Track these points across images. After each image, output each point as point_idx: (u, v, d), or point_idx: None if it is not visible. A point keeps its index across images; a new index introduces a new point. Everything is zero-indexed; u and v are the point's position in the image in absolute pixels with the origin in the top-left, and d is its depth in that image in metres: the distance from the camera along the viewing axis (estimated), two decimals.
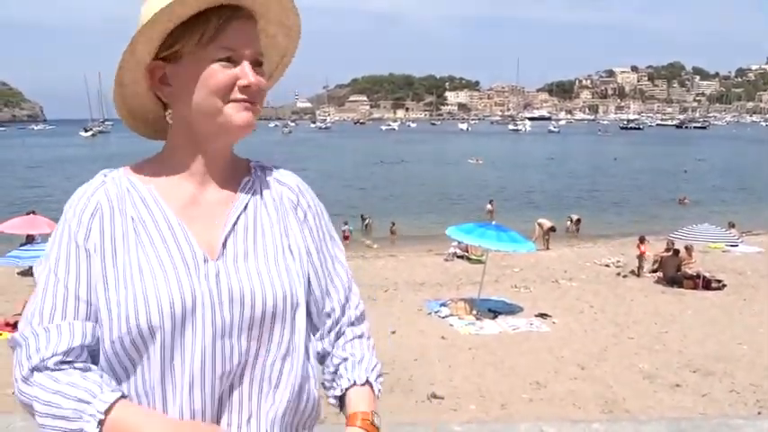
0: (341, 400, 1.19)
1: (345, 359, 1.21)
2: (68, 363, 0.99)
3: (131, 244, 1.05)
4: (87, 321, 1.03)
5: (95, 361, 1.04)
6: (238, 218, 1.13)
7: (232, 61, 1.06)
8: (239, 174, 1.18)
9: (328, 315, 1.22)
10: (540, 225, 18.63)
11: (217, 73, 1.05)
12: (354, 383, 1.18)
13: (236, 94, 1.07)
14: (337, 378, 1.20)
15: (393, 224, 20.53)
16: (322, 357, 1.24)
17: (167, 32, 1.05)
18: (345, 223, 18.22)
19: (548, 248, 17.76)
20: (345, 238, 17.43)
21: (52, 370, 0.98)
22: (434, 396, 6.30)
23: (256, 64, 1.09)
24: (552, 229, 18.57)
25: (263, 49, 1.13)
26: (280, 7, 1.13)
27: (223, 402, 1.06)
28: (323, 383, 1.23)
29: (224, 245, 1.10)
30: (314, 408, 1.18)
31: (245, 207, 1.15)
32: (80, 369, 0.99)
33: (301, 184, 1.26)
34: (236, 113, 1.07)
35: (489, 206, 21.99)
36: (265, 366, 1.09)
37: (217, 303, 1.04)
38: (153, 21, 1.01)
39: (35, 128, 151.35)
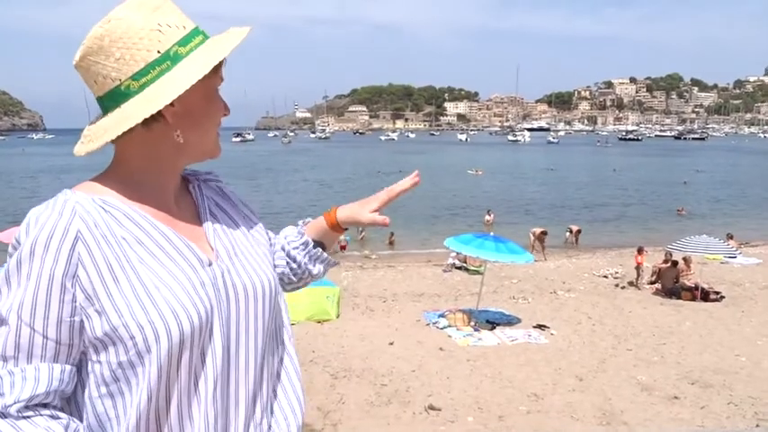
0: (317, 245, 1.41)
1: (288, 240, 1.41)
2: (33, 409, 0.95)
3: (135, 265, 1.01)
4: (57, 363, 0.98)
5: (78, 406, 1.03)
6: (211, 222, 1.19)
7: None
8: (182, 182, 1.22)
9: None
10: (532, 233, 18.77)
11: (219, 99, 1.15)
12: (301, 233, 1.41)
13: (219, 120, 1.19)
14: (300, 247, 1.39)
15: (392, 234, 20.52)
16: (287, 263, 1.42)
17: None
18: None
19: (545, 258, 17.78)
20: (342, 248, 17.40)
21: (15, 418, 0.94)
22: (432, 407, 6.28)
23: None
24: (544, 233, 18.66)
25: None
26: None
27: (239, 398, 1.11)
28: (299, 266, 1.40)
29: (213, 247, 1.15)
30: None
31: (210, 211, 1.21)
32: (46, 416, 0.96)
33: (214, 173, 1.34)
34: (218, 141, 1.19)
35: (488, 216, 22.01)
36: (268, 352, 1.19)
37: (234, 301, 1.11)
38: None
39: (35, 137, 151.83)
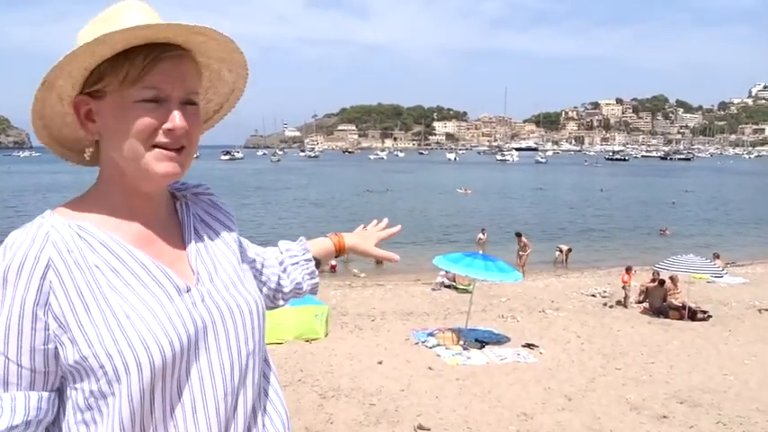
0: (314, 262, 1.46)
1: (281, 260, 1.43)
2: None
3: (106, 293, 0.98)
4: (34, 391, 0.97)
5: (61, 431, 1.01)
6: (194, 242, 1.15)
7: (159, 101, 1.01)
8: (167, 199, 1.19)
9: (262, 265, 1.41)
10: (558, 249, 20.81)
11: (140, 115, 1.00)
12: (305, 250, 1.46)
13: (160, 138, 1.02)
14: (293, 264, 1.43)
15: None
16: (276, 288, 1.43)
17: (90, 69, 1.02)
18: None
19: (523, 267, 17.78)
20: (333, 268, 17.32)
21: None
22: (421, 428, 6.24)
23: (188, 103, 1.05)
24: (522, 241, 19.06)
25: (212, 82, 1.14)
26: (217, 45, 1.07)
27: (228, 420, 1.08)
28: (297, 284, 1.44)
29: (194, 271, 1.11)
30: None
31: (195, 230, 1.18)
32: None
33: (205, 184, 1.31)
34: (156, 162, 1.03)
35: (481, 235, 21.94)
36: (255, 373, 1.14)
37: (210, 326, 1.07)
38: (72, 56, 0.97)
39: (21, 155, 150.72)
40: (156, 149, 1.02)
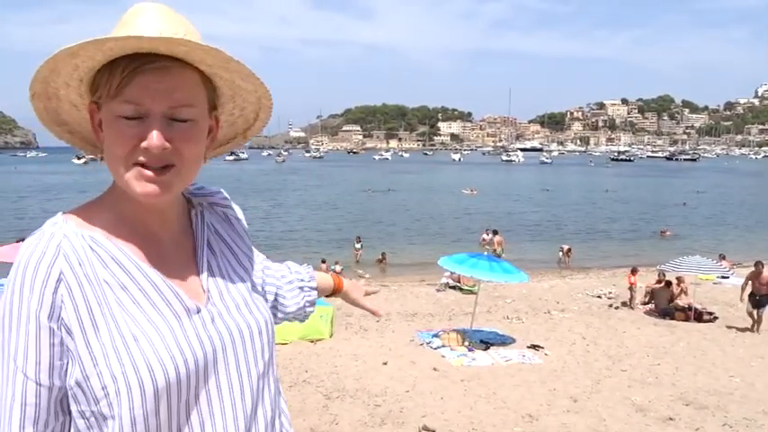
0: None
1: (289, 280, 1.45)
2: None
3: (115, 312, 0.96)
4: (53, 414, 0.96)
5: None
6: (206, 258, 1.13)
7: (141, 117, 0.95)
8: (183, 207, 1.15)
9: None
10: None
11: (121, 130, 0.96)
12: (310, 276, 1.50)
13: (138, 157, 0.96)
14: (300, 287, 1.45)
15: (383, 254, 20.49)
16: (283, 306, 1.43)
17: (83, 79, 1.00)
18: (336, 263, 17.83)
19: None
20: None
21: None
22: (426, 428, 6.22)
23: (176, 118, 0.98)
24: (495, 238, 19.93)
25: (233, 90, 1.10)
26: (205, 54, 0.97)
27: None
28: (301, 307, 1.46)
29: (204, 289, 1.09)
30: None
31: (208, 243, 1.15)
32: None
33: (226, 193, 1.28)
34: (135, 181, 0.97)
35: (485, 236, 21.84)
36: (269, 393, 1.14)
37: (220, 348, 1.04)
38: (49, 67, 0.95)
39: (28, 155, 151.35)
40: (136, 168, 0.97)
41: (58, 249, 0.96)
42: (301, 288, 1.46)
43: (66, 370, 0.95)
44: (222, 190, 1.27)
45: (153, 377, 0.93)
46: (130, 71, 0.94)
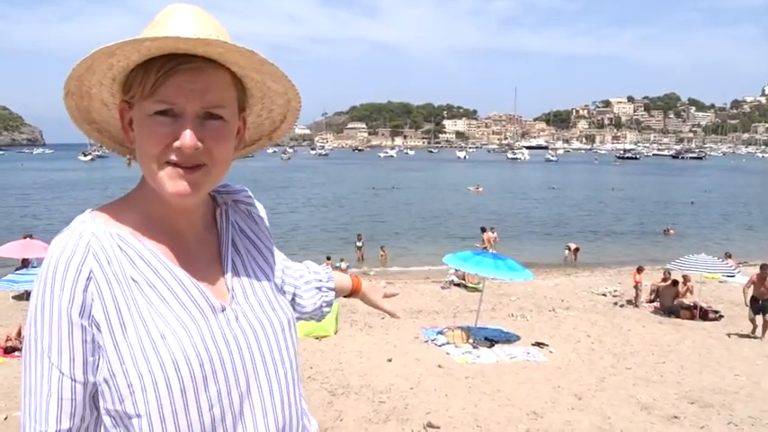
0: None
1: (307, 280, 1.46)
2: None
3: (142, 310, 0.97)
4: (89, 409, 0.98)
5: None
6: (231, 256, 1.14)
7: (174, 116, 0.97)
8: (209, 206, 1.17)
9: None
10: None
11: (154, 129, 0.97)
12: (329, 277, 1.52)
13: (172, 156, 0.97)
14: (318, 286, 1.47)
15: (382, 247, 20.57)
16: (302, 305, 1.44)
17: (117, 78, 1.01)
18: (341, 260, 17.85)
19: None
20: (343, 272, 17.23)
21: None
22: (430, 425, 6.24)
23: (209, 117, 0.99)
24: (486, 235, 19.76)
25: (263, 92, 1.11)
26: (240, 56, 0.99)
27: None
28: (319, 306, 1.48)
29: (229, 288, 1.10)
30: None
31: (233, 242, 1.16)
32: None
33: (249, 192, 1.31)
34: (168, 180, 0.99)
35: (489, 233, 21.80)
36: (296, 388, 1.16)
37: (245, 347, 1.06)
38: (84, 66, 0.96)
39: (34, 152, 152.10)
40: (169, 167, 0.98)
41: (88, 248, 0.97)
42: (319, 288, 1.47)
43: (98, 366, 0.97)
44: (246, 188, 1.29)
45: (179, 374, 0.95)
46: (166, 71, 0.96)
